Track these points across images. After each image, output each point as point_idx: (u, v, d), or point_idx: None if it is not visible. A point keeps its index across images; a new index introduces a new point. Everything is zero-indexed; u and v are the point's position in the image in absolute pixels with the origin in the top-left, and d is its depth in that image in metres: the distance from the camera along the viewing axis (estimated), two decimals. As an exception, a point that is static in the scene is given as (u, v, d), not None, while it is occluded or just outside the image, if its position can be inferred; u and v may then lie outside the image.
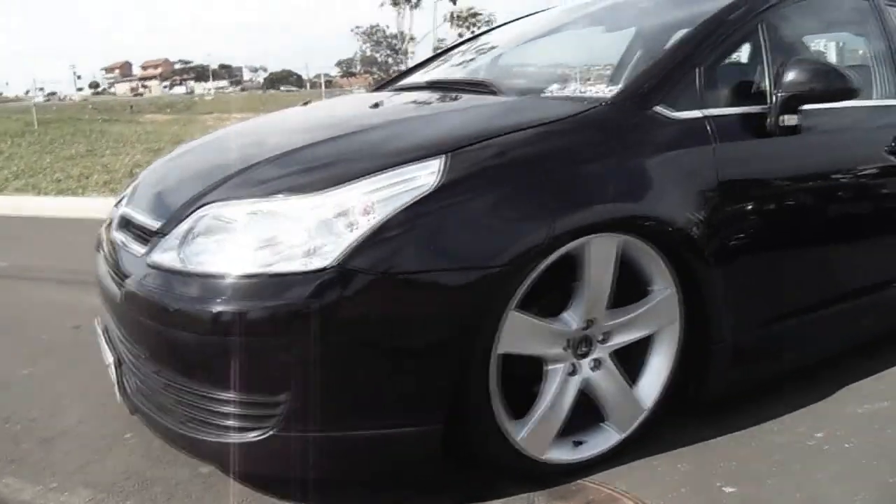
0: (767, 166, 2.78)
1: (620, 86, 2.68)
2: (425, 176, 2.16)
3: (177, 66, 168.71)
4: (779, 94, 2.76)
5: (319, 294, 2.04)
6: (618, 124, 2.53)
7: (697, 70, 2.70)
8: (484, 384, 2.22)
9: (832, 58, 3.96)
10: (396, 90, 3.62)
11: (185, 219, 2.30)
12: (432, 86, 3.41)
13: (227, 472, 2.47)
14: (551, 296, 2.39)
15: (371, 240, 2.06)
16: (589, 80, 2.99)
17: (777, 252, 2.81)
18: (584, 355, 2.46)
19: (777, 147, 2.80)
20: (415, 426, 2.17)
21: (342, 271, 2.04)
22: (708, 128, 2.62)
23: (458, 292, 2.12)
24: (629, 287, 2.50)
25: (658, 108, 2.58)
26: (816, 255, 2.98)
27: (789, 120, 2.77)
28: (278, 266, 2.08)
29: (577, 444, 2.50)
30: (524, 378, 2.41)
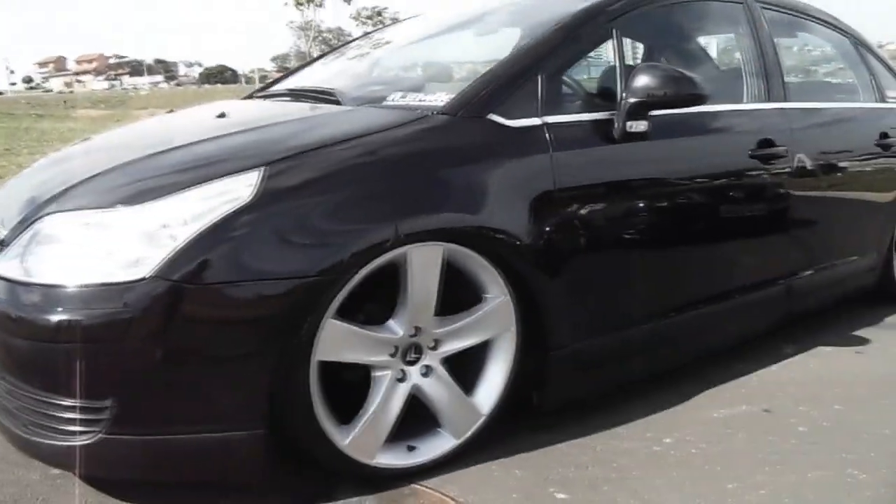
0: (611, 173, 2.93)
1: (454, 94, 2.82)
2: (242, 188, 2.30)
3: (112, 61, 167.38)
4: (626, 100, 2.93)
5: (139, 303, 2.18)
6: (446, 133, 2.68)
7: (539, 77, 2.85)
8: (304, 391, 2.36)
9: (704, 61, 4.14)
10: (263, 97, 3.76)
11: (27, 229, 2.42)
12: (291, 93, 3.56)
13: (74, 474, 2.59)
14: (380, 303, 2.54)
15: (189, 251, 2.21)
16: (421, 89, 3.10)
17: (623, 259, 2.99)
18: (414, 362, 2.60)
19: (623, 153, 2.96)
20: (236, 430, 2.31)
21: (161, 281, 2.18)
22: (546, 135, 2.77)
23: (272, 301, 2.27)
24: (467, 293, 2.66)
25: (492, 117, 2.73)
26: (666, 262, 3.16)
27: (637, 126, 2.94)
28: (107, 276, 2.22)
29: (412, 448, 2.64)
30: (359, 383, 2.56)
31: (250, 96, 3.96)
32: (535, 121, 2.79)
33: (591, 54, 3.18)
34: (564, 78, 3.06)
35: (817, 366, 3.73)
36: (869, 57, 4.68)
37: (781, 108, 3.73)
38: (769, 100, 3.72)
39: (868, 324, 4.31)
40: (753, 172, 3.47)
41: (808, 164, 3.75)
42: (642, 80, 2.92)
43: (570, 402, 3.00)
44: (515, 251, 2.62)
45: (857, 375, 3.61)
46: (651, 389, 3.30)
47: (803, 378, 3.57)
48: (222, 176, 2.34)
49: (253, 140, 2.67)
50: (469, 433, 2.71)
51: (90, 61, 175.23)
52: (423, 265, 2.49)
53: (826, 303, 4.23)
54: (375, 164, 2.51)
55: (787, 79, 3.89)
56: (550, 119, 2.82)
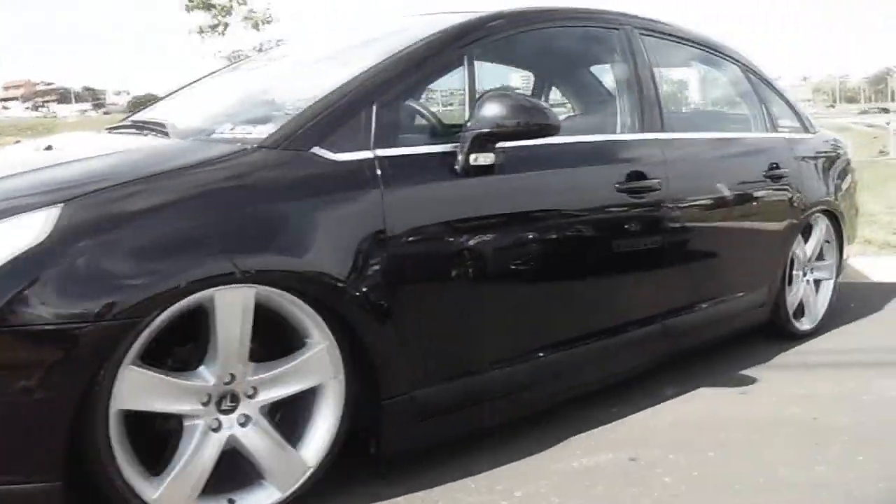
0: (452, 210, 2.90)
1: (277, 126, 2.79)
2: (35, 227, 2.26)
3: (39, 88, 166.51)
4: (471, 131, 2.91)
5: None
6: (262, 168, 2.65)
7: (373, 107, 2.84)
8: (104, 441, 2.31)
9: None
10: (111, 129, 3.71)
11: None
12: (133, 125, 3.52)
13: None
14: (194, 348, 2.52)
15: None
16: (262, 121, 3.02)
17: (467, 303, 2.97)
18: (230, 411, 2.56)
19: (466, 189, 2.94)
20: (33, 483, 2.26)
21: None
22: (377, 170, 2.74)
23: (65, 347, 2.22)
24: (294, 338, 2.64)
25: (316, 150, 2.70)
26: (519, 304, 3.15)
27: (484, 159, 2.92)
28: None
29: (232, 501, 2.59)
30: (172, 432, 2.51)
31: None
32: (365, 154, 2.76)
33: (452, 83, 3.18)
34: (410, 107, 3.07)
35: (697, 408, 3.72)
36: (761, 86, 4.76)
37: (656, 139, 3.74)
38: (643, 130, 3.74)
39: (758, 362, 4.33)
40: (621, 207, 3.47)
41: (686, 197, 3.79)
42: (489, 110, 2.89)
43: (410, 453, 2.98)
44: (338, 296, 2.61)
45: (738, 419, 3.59)
46: (509, 436, 3.27)
47: (679, 422, 3.56)
48: (15, 214, 2.29)
49: (59, 175, 2.62)
50: (295, 486, 2.67)
51: (17, 87, 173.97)
52: (231, 309, 2.45)
53: (713, 340, 4.26)
54: (181, 202, 2.47)
55: (668, 108, 3.94)
56: (384, 152, 2.79)
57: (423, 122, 3.11)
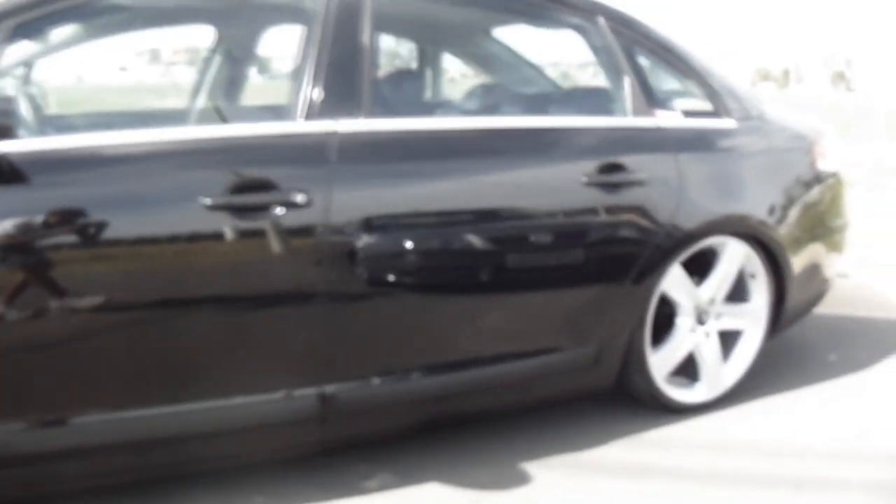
0: None
1: None
2: None
3: None
4: None
5: None
6: None
7: None
8: None
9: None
10: None
11: None
12: None
13: None
14: None
15: None
16: None
17: None
18: None
19: None
20: None
21: None
22: None
23: None
24: None
25: None
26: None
27: None
28: None
29: None
30: None
31: None
32: None
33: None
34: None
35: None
36: (637, 50, 3.77)
37: (310, 132, 3.04)
38: (314, 116, 3.05)
39: (569, 451, 3.53)
40: (209, 233, 2.85)
41: (381, 214, 3.07)
42: None
43: None
44: None
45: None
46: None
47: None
48: None
49: None
50: None
51: None
52: None
53: (499, 411, 3.66)
54: None
55: (401, 88, 3.44)
56: None
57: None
